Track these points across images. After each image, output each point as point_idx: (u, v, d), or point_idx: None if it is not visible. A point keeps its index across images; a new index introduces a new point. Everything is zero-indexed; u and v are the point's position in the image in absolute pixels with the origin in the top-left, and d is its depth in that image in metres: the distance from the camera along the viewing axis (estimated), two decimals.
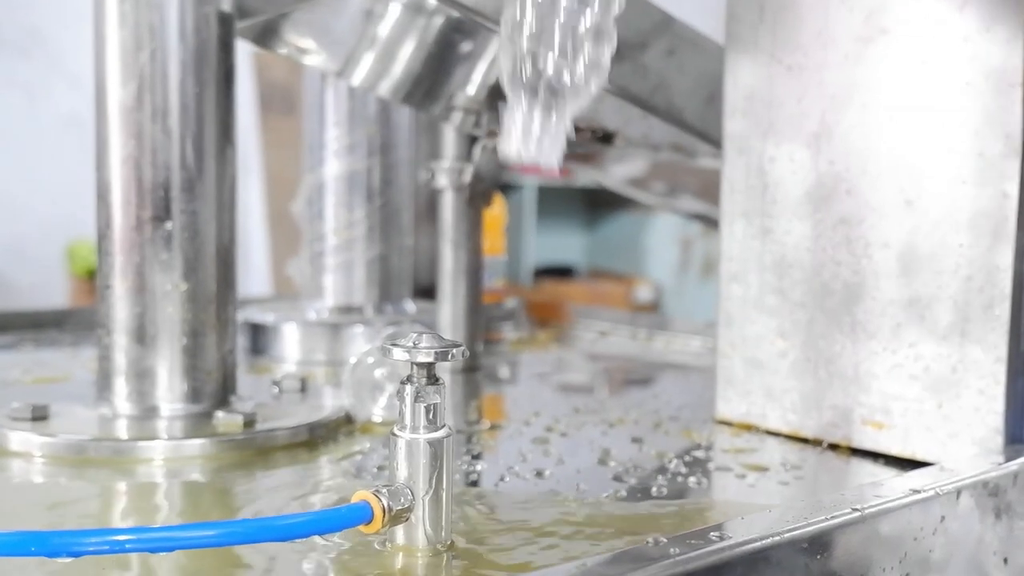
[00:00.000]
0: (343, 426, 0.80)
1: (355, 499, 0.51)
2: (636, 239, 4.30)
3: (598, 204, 4.48)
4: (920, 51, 0.72)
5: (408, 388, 0.53)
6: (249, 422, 0.75)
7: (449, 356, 0.52)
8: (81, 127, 2.96)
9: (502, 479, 0.69)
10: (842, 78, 0.76)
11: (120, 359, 0.77)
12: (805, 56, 0.78)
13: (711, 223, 1.24)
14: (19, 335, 1.27)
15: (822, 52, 0.77)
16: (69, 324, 1.33)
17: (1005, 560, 0.63)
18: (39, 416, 0.75)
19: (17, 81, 3.10)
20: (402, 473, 0.52)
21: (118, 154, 0.75)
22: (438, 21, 0.88)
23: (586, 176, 1.41)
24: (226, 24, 0.78)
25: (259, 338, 1.16)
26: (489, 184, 1.11)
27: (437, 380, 0.53)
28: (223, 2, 0.78)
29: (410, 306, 1.22)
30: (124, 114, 0.75)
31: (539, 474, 0.70)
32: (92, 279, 2.95)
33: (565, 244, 4.48)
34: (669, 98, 0.95)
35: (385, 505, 0.51)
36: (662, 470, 0.71)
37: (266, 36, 1.00)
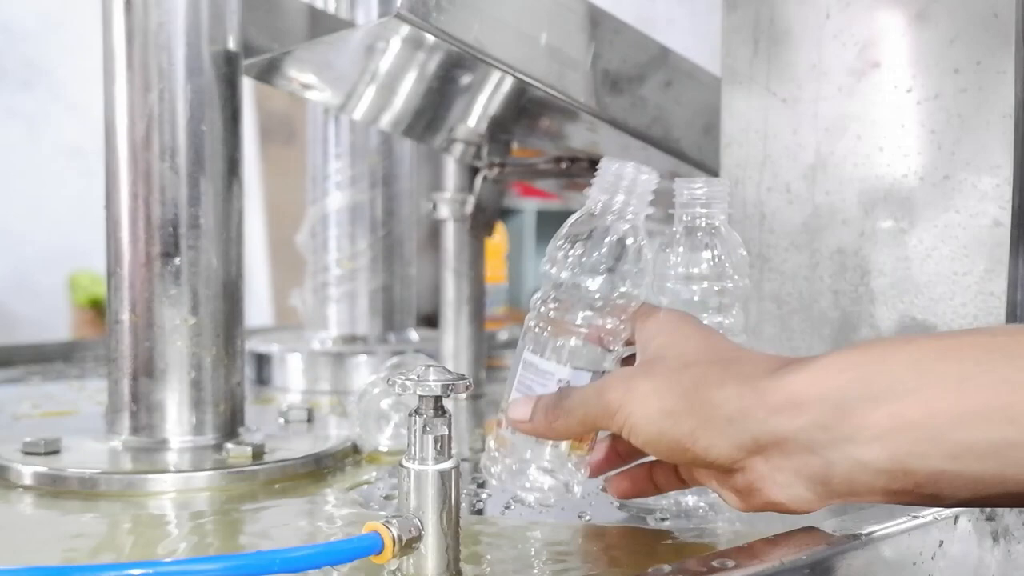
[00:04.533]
0: (350, 456, 0.81)
1: (365, 530, 0.52)
2: None
3: None
4: (911, 84, 0.73)
5: (416, 420, 0.54)
6: (258, 453, 0.76)
7: (455, 389, 0.53)
8: (82, 158, 2.98)
9: (507, 507, 0.70)
10: (836, 110, 0.77)
11: (130, 393, 0.78)
12: (799, 89, 0.79)
13: None
14: (26, 368, 1.28)
15: (816, 85, 0.78)
16: (75, 357, 1.34)
17: None
18: (51, 450, 0.76)
19: (18, 112, 3.12)
20: (411, 503, 0.53)
21: (127, 192, 0.77)
22: (438, 56, 0.90)
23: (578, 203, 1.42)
24: (232, 63, 0.80)
25: (264, 368, 1.17)
26: (491, 214, 1.12)
27: (444, 411, 0.54)
28: (230, 41, 0.79)
29: (413, 335, 1.23)
30: (133, 153, 0.77)
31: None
32: (94, 309, 2.96)
33: None
34: (667, 129, 0.96)
35: (395, 535, 0.52)
36: (665, 497, 0.72)
37: (269, 73, 1.02)
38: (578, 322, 0.61)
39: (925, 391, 0.47)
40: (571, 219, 0.62)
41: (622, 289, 0.60)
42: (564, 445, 0.64)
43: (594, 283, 0.59)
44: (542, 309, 0.62)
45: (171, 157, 0.77)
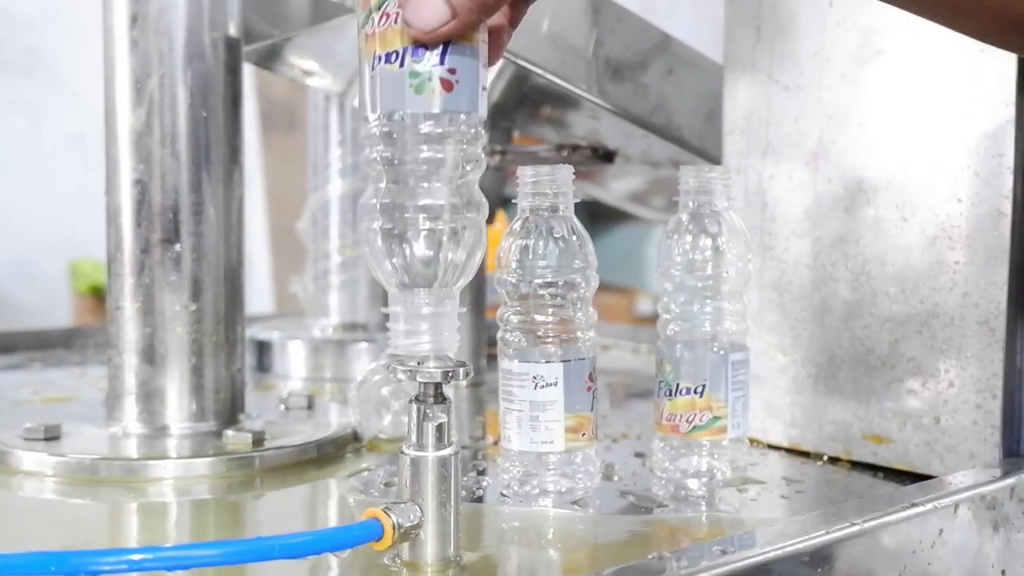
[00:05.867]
0: (350, 443, 0.81)
1: (365, 516, 0.52)
2: (637, 251, 4.31)
3: (598, 216, 4.47)
4: (915, 71, 0.73)
5: (415, 407, 0.54)
6: (258, 440, 0.76)
7: (455, 376, 0.53)
8: (83, 147, 2.98)
9: (506, 495, 0.70)
10: (839, 98, 0.77)
11: (130, 379, 0.78)
12: (802, 76, 0.79)
13: None
14: (27, 354, 1.28)
15: (819, 72, 0.78)
16: (75, 343, 1.34)
17: (1003, 572, 0.64)
18: (51, 436, 0.76)
19: (20, 102, 3.12)
20: (410, 490, 0.53)
21: (128, 178, 0.77)
22: None
23: (583, 192, 1.42)
24: (233, 49, 0.80)
25: (264, 355, 1.17)
26: (491, 201, 1.12)
27: (444, 399, 0.54)
28: (231, 27, 0.79)
29: None
30: (134, 138, 0.76)
31: (544, 489, 0.71)
32: (95, 296, 2.96)
33: None
34: (668, 117, 0.96)
35: (395, 522, 0.52)
36: (665, 484, 0.72)
37: (270, 59, 1.02)
38: (539, 319, 0.65)
39: None
40: (508, 229, 0.67)
41: (569, 278, 0.65)
42: (561, 441, 0.65)
43: (543, 281, 0.65)
44: (506, 316, 0.67)
45: (172, 143, 0.76)
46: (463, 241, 0.52)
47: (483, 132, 0.52)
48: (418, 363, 0.54)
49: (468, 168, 0.52)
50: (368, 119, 0.51)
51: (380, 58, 0.50)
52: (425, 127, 0.50)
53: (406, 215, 0.51)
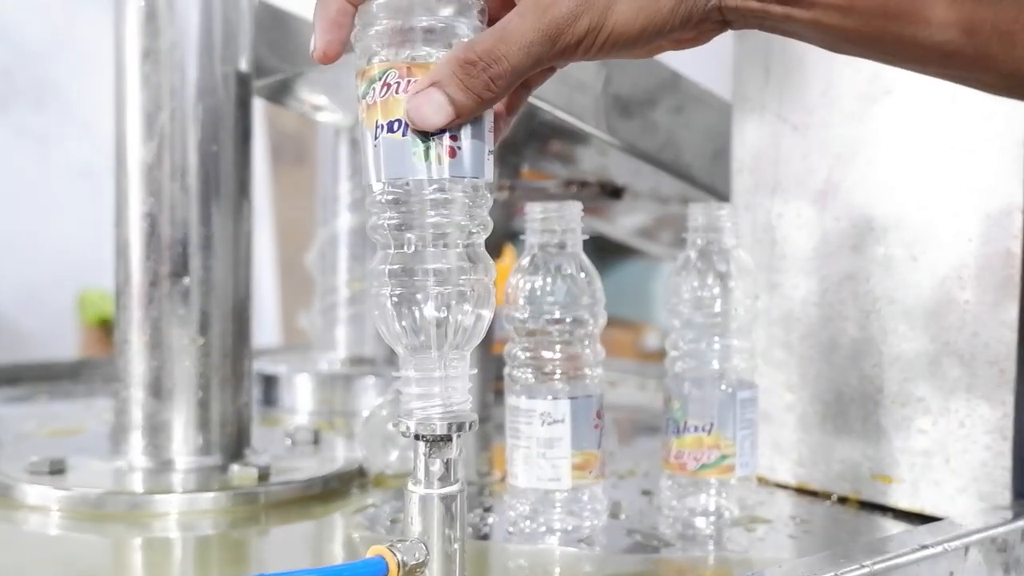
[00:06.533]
0: (356, 479, 0.81)
1: (370, 554, 0.52)
2: (644, 286, 4.31)
3: (606, 251, 4.48)
4: (923, 110, 0.73)
5: (422, 444, 0.53)
6: (264, 475, 0.76)
7: (459, 428, 0.53)
8: (93, 177, 2.99)
9: (512, 532, 0.69)
10: (847, 136, 0.77)
11: (136, 413, 0.78)
12: (810, 115, 0.79)
13: None
14: (33, 386, 1.28)
15: (827, 111, 0.78)
16: (82, 375, 1.34)
17: None
18: (56, 470, 0.76)
19: (30, 131, 3.14)
20: (416, 528, 0.53)
21: (137, 211, 0.77)
22: None
23: (590, 227, 1.42)
24: (244, 84, 0.80)
25: (271, 389, 1.17)
26: (499, 237, 1.12)
27: (450, 436, 0.54)
28: (242, 62, 0.80)
29: None
30: (144, 172, 0.77)
31: (551, 527, 0.70)
32: (103, 328, 2.96)
33: None
34: (677, 154, 0.96)
35: (400, 560, 0.51)
36: (673, 523, 0.71)
37: (281, 94, 1.02)
38: (547, 356, 0.65)
39: None
40: (516, 265, 0.67)
41: (577, 315, 0.65)
42: (568, 478, 0.65)
43: (551, 318, 0.65)
44: (513, 352, 0.67)
45: (181, 177, 0.77)
46: (472, 303, 0.52)
47: (489, 196, 0.52)
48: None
49: (475, 231, 0.52)
50: (372, 187, 0.51)
51: (383, 127, 0.50)
52: (431, 193, 0.50)
53: (415, 279, 0.51)
